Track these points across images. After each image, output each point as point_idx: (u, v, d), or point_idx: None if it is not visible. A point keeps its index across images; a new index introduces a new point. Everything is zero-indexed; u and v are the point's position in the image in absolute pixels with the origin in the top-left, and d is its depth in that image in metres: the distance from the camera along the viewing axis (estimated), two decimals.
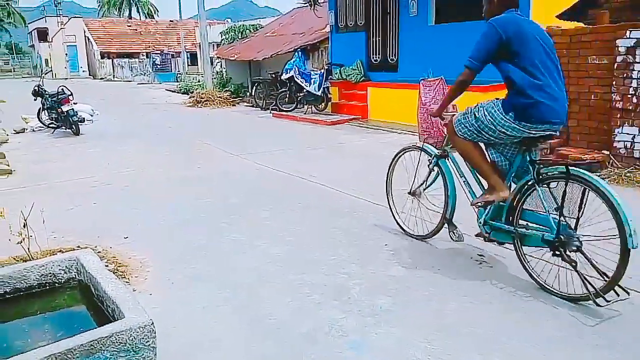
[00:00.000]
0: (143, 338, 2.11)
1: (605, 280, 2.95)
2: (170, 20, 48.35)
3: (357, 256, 3.88)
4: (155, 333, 2.15)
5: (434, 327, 2.85)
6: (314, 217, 4.86)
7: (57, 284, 2.79)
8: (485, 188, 3.59)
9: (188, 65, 33.78)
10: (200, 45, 21.40)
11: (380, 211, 4.83)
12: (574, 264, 3.05)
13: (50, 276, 2.78)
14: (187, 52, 33.44)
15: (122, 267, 3.73)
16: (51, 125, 11.05)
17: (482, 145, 3.57)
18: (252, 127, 11.78)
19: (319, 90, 12.60)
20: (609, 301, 2.94)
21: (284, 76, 13.52)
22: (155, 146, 9.08)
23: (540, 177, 3.20)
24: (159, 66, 35.46)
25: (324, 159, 7.63)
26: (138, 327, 2.10)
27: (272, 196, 5.63)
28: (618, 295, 2.94)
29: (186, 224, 4.77)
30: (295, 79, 13.00)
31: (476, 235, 3.72)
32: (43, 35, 47.68)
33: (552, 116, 3.16)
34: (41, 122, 11.36)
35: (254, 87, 15.56)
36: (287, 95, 13.63)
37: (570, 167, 3.05)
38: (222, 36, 22.43)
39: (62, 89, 10.91)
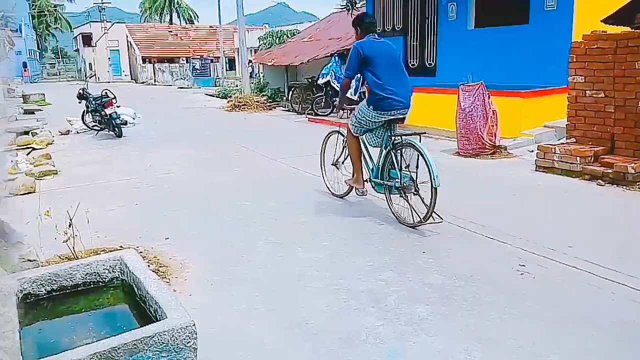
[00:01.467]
0: (185, 339, 2.14)
1: (426, 210, 4.40)
2: (210, 26, 49.16)
3: (394, 263, 3.86)
4: (196, 334, 2.18)
5: (474, 339, 2.80)
6: (350, 222, 4.86)
7: (101, 283, 2.86)
8: (353, 175, 5.18)
9: (226, 70, 34.28)
10: (238, 51, 21.64)
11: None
12: (407, 200, 4.60)
13: (95, 275, 2.85)
14: (225, 57, 33.93)
15: (163, 268, 3.81)
16: (94, 128, 11.38)
17: (362, 145, 5.13)
18: (288, 131, 11.87)
19: (355, 95, 12.53)
20: (426, 222, 4.45)
21: (321, 81, 13.55)
22: (195, 149, 9.24)
23: (394, 145, 4.71)
24: (198, 71, 36.10)
25: None
26: (180, 328, 2.13)
27: (308, 200, 5.64)
28: (434, 219, 4.44)
29: (225, 226, 4.84)
30: (332, 83, 13.02)
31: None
32: (87, 40, 49.37)
33: (395, 106, 4.67)
34: (85, 124, 11.72)
35: (291, 92, 15.66)
36: (323, 100, 13.66)
37: (402, 137, 4.65)
38: (260, 41, 22.68)
39: (106, 93, 11.25)
